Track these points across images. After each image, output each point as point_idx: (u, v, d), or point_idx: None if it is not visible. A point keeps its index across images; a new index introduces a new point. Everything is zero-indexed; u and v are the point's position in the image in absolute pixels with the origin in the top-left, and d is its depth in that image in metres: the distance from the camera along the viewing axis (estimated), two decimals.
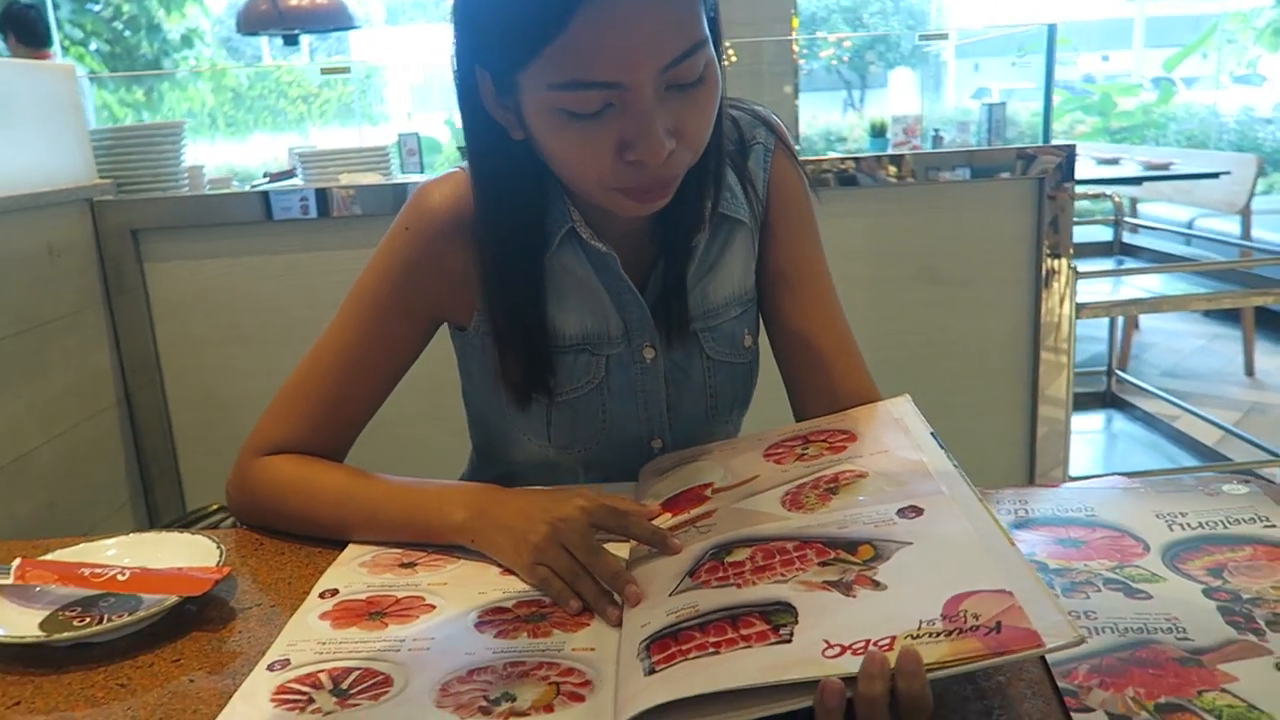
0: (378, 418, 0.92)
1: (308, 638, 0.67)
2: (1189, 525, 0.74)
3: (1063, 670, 0.58)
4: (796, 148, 0.95)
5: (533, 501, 0.76)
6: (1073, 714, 0.54)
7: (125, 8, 8.41)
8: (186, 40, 8.82)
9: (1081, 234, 3.20)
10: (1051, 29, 2.58)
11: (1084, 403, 3.10)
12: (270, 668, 0.63)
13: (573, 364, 0.89)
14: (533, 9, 0.66)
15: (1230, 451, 2.76)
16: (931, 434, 0.76)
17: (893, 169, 1.97)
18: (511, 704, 0.57)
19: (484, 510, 0.77)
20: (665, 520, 0.76)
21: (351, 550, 0.81)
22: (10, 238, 1.70)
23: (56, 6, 7.15)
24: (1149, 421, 2.93)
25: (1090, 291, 2.47)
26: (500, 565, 0.75)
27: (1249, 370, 3.86)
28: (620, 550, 0.74)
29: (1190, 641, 0.59)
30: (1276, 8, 7.81)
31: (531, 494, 0.78)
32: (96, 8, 8.26)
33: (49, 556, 0.77)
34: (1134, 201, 4.48)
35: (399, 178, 2.55)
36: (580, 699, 0.58)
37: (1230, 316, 4.33)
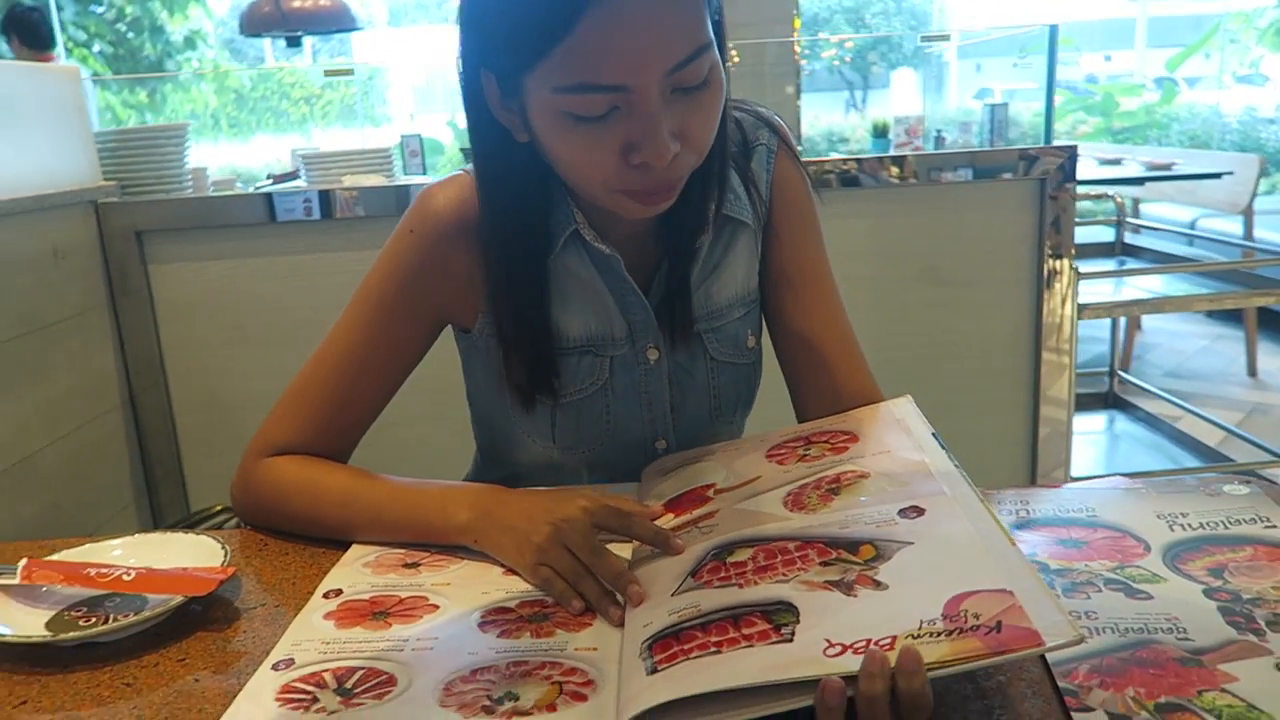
0: (381, 419, 0.92)
1: (312, 637, 0.67)
2: (1190, 526, 0.75)
3: (1063, 670, 0.58)
4: (799, 148, 0.96)
5: (535, 502, 0.76)
6: (1073, 713, 0.54)
7: (128, 10, 8.43)
8: (189, 42, 8.84)
9: (1084, 234, 3.20)
10: (1053, 30, 2.58)
11: (1086, 403, 3.10)
12: (275, 667, 0.64)
13: (577, 365, 0.89)
14: (539, 12, 0.67)
15: (1233, 452, 2.75)
16: (933, 434, 0.76)
17: (895, 170, 1.97)
18: (514, 703, 0.58)
19: (487, 511, 0.78)
20: (668, 520, 0.76)
21: (355, 550, 0.81)
22: (15, 239, 1.71)
23: (60, 8, 7.17)
24: (1151, 422, 2.93)
25: (1092, 292, 2.47)
26: (503, 565, 0.76)
27: (1251, 371, 3.85)
28: (623, 551, 0.74)
29: (1190, 642, 0.60)
30: (1279, 8, 7.80)
31: (534, 495, 0.78)
32: (100, 10, 8.28)
33: (55, 557, 0.78)
34: (1136, 202, 4.48)
35: (402, 179, 2.55)
36: (583, 698, 0.58)
37: (1233, 317, 4.32)
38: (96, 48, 8.22)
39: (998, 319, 2.05)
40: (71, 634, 0.67)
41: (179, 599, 0.70)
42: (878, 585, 0.59)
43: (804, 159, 0.96)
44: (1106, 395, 3.15)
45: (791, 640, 0.55)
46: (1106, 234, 3.09)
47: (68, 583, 0.73)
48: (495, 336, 0.88)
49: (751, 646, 0.56)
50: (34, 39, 4.17)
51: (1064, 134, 7.15)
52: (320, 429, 0.89)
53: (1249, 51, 8.26)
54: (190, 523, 1.21)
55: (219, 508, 1.22)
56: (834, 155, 2.52)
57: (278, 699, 0.60)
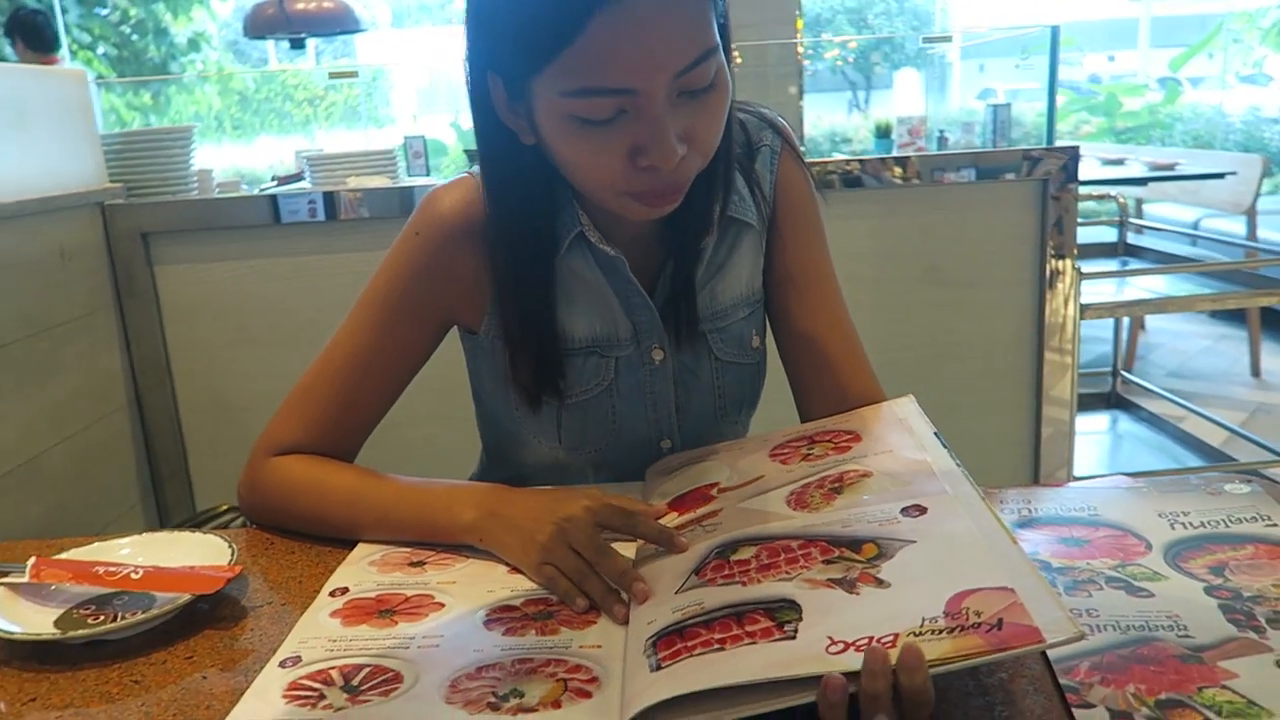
0: (387, 419, 0.93)
1: (318, 635, 0.68)
2: (1191, 524, 0.75)
3: (1064, 667, 0.58)
4: (802, 149, 0.96)
5: (540, 502, 0.76)
6: (1074, 710, 0.55)
7: (132, 12, 8.45)
8: (193, 44, 8.86)
9: (1087, 235, 3.21)
10: (1054, 31, 2.58)
11: (1089, 403, 3.10)
12: (282, 664, 0.64)
13: (582, 366, 0.90)
14: (547, 16, 0.67)
15: (1236, 452, 2.75)
16: (935, 434, 0.77)
17: (898, 170, 1.97)
18: (519, 700, 0.58)
19: (492, 510, 0.78)
20: (672, 519, 0.77)
21: (361, 549, 0.82)
22: (22, 241, 1.71)
23: (65, 11, 7.19)
24: (1154, 422, 2.93)
25: (1095, 292, 2.47)
26: (508, 564, 0.76)
27: (1255, 371, 3.85)
28: (627, 550, 0.74)
29: (1191, 639, 0.60)
30: None
31: (539, 494, 0.79)
32: (104, 12, 8.30)
33: (63, 555, 0.78)
34: (1139, 202, 4.48)
35: (406, 181, 2.56)
36: (587, 695, 0.59)
37: (1236, 317, 4.32)
38: (101, 50, 8.24)
39: (1000, 319, 2.05)
40: (80, 632, 0.68)
41: (186, 597, 0.71)
42: (880, 583, 0.59)
43: (807, 160, 0.96)
44: (1109, 395, 3.15)
45: (794, 638, 0.56)
46: (1109, 234, 3.10)
47: (76, 581, 0.74)
48: (501, 338, 0.89)
49: (755, 644, 0.56)
50: (38, 42, 4.18)
51: (1067, 134, 7.15)
52: (326, 429, 0.89)
53: (1252, 51, 8.25)
54: (197, 522, 1.22)
55: (225, 507, 1.23)
56: (837, 156, 2.53)
57: (285, 696, 0.60)
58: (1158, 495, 0.81)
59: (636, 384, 0.91)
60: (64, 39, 5.61)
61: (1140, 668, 0.58)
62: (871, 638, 0.54)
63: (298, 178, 2.71)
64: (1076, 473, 2.19)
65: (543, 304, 0.87)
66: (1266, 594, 0.65)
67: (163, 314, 2.00)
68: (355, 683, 0.61)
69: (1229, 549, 0.71)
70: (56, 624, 0.70)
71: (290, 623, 0.70)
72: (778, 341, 0.96)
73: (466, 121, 0.81)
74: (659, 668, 0.56)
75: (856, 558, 0.62)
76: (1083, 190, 3.06)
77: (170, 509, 2.07)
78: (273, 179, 2.90)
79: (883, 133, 3.23)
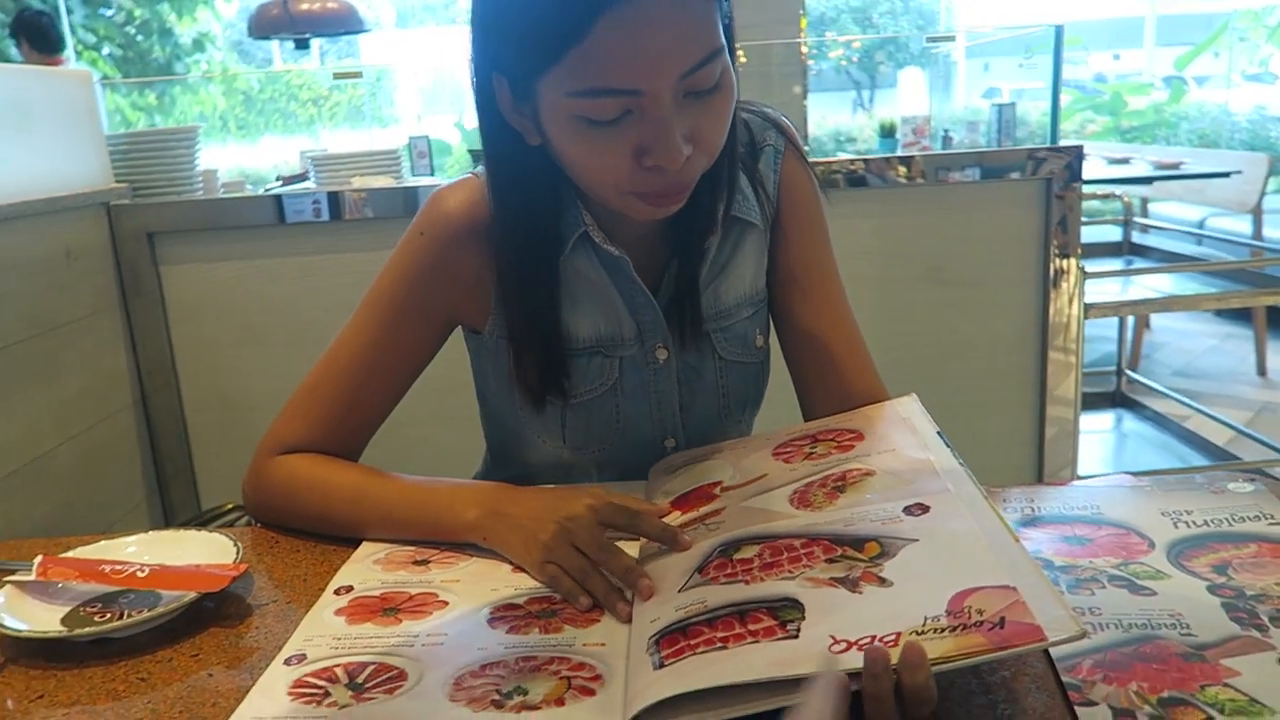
0: (391, 418, 0.93)
1: (323, 633, 0.68)
2: (1194, 523, 0.75)
3: (1067, 665, 0.59)
4: (806, 149, 0.96)
5: (543, 501, 0.77)
6: (1076, 708, 0.55)
7: (137, 12, 8.47)
8: (198, 44, 8.87)
9: (1092, 234, 3.20)
10: (1058, 30, 2.58)
11: (1094, 403, 3.09)
12: (287, 662, 0.64)
13: (586, 366, 0.90)
14: (553, 17, 0.67)
15: (1241, 451, 2.75)
16: (938, 433, 0.77)
17: (902, 170, 1.97)
18: (523, 698, 0.58)
19: (496, 509, 0.78)
20: (675, 518, 0.77)
21: (366, 548, 0.82)
22: (28, 241, 1.72)
23: (70, 12, 7.21)
24: (1159, 421, 2.93)
25: (1100, 291, 2.47)
26: (512, 563, 0.77)
27: (1260, 370, 3.84)
28: (630, 549, 0.74)
29: (1194, 637, 0.60)
30: None
31: (542, 493, 0.79)
32: (109, 13, 8.32)
33: (70, 554, 0.79)
34: (1145, 201, 4.47)
35: (410, 180, 2.57)
36: (591, 693, 0.59)
37: (1241, 316, 4.31)
38: (106, 51, 8.26)
39: (1004, 318, 2.05)
40: (87, 629, 0.68)
41: (192, 595, 0.71)
42: (882, 582, 0.59)
43: (811, 159, 0.96)
44: (1114, 394, 3.14)
45: (797, 636, 0.56)
46: (1115, 233, 3.09)
47: (83, 579, 0.74)
48: (506, 338, 0.89)
49: (757, 642, 0.56)
50: (44, 43, 4.19)
51: (1072, 133, 7.13)
52: (331, 428, 0.90)
53: (1258, 50, 8.22)
54: (202, 520, 1.22)
55: (230, 506, 1.24)
56: (841, 155, 2.53)
57: (290, 693, 0.61)
58: (1161, 494, 0.81)
59: (640, 384, 0.91)
60: (69, 40, 5.64)
61: (1143, 666, 0.58)
62: (874, 636, 0.54)
63: (302, 178, 2.71)
64: (1081, 472, 2.19)
65: (547, 304, 0.87)
66: (1269, 592, 0.65)
67: (168, 314, 2.01)
68: (360, 680, 0.62)
69: (1232, 547, 0.71)
70: (63, 622, 0.70)
71: (295, 621, 0.70)
72: (781, 341, 0.96)
73: (470, 121, 0.81)
74: (662, 666, 0.57)
75: (859, 557, 0.63)
76: (1088, 189, 3.06)
77: (176, 508, 2.08)
78: (277, 179, 2.90)
79: (887, 132, 3.23)
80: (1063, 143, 2.22)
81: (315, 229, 1.98)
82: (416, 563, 0.78)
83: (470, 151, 2.98)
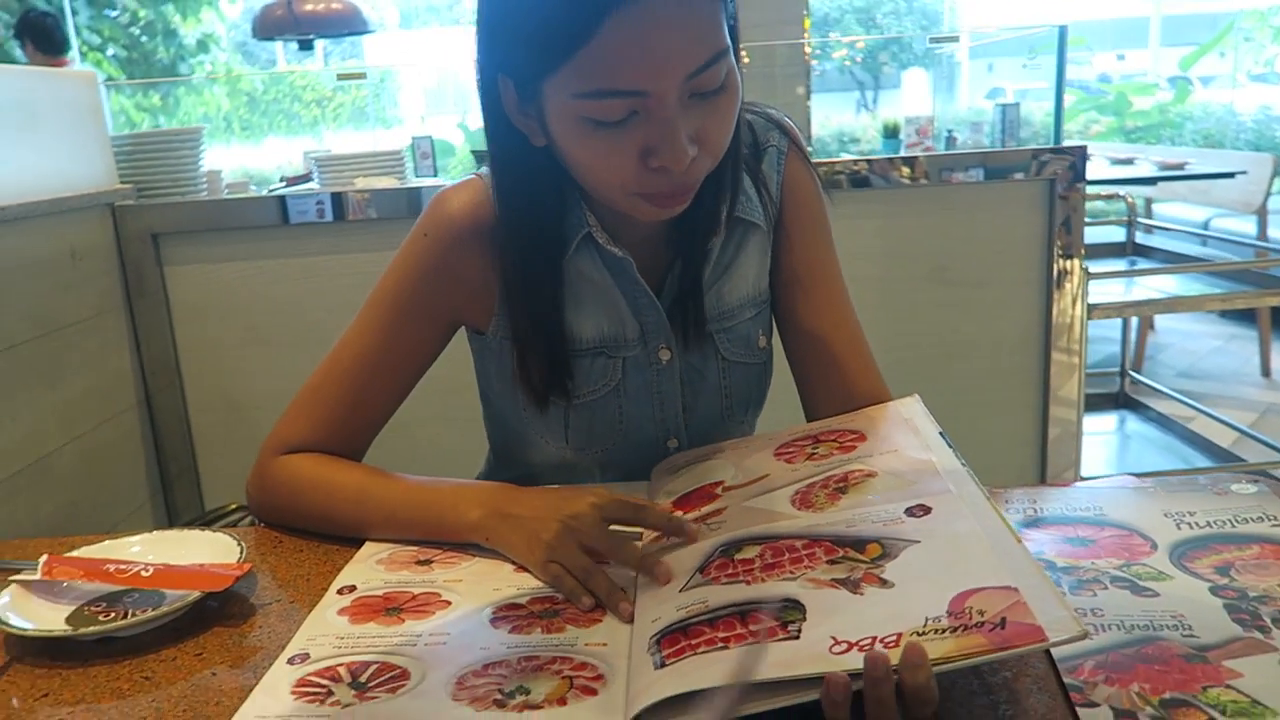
0: (394, 419, 0.93)
1: (326, 632, 0.68)
2: (1197, 524, 0.75)
3: (1068, 666, 0.59)
4: (809, 149, 0.96)
5: (546, 500, 0.77)
6: (1078, 709, 0.55)
7: (142, 14, 8.48)
8: (202, 45, 8.89)
9: (1096, 234, 3.19)
10: (1062, 30, 2.58)
11: (1098, 404, 3.09)
12: (290, 661, 0.65)
13: (590, 367, 0.90)
14: (560, 19, 0.67)
15: (1246, 453, 2.74)
16: (940, 433, 0.77)
17: (905, 170, 1.97)
18: (525, 697, 0.59)
19: (498, 509, 0.79)
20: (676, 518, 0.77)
21: (369, 548, 0.83)
22: (33, 242, 1.73)
23: (74, 13, 7.23)
24: (1163, 423, 2.92)
25: (1103, 292, 2.46)
26: (514, 563, 0.77)
27: (1265, 371, 3.83)
28: None
29: (1196, 638, 0.60)
30: None
31: (545, 493, 0.79)
32: (113, 14, 8.34)
33: (75, 553, 0.79)
34: (1149, 202, 4.46)
35: (413, 181, 2.57)
36: (593, 693, 0.59)
37: (1246, 317, 4.30)
38: (110, 52, 8.28)
39: (1008, 319, 2.05)
40: (91, 628, 0.68)
41: (196, 594, 0.71)
42: (884, 583, 0.59)
43: (814, 160, 0.96)
44: (1118, 395, 3.14)
45: (798, 637, 0.56)
46: (1119, 234, 3.09)
47: (87, 578, 0.75)
48: (509, 339, 0.89)
49: (759, 643, 0.56)
50: (48, 44, 4.21)
51: (1076, 133, 7.12)
52: (334, 429, 0.90)
53: (1264, 50, 8.21)
54: (206, 520, 1.23)
55: (234, 506, 1.24)
56: (845, 156, 2.53)
57: (293, 692, 0.61)
58: (1164, 495, 0.81)
59: (644, 384, 0.92)
60: (74, 41, 5.65)
61: (1145, 667, 0.58)
62: (875, 638, 0.54)
63: (306, 179, 2.71)
64: (1084, 473, 2.18)
65: (551, 305, 0.87)
66: (1272, 594, 0.64)
67: (172, 314, 2.02)
68: (363, 679, 0.62)
69: (1235, 549, 0.71)
70: (68, 621, 0.71)
71: (298, 620, 0.71)
72: (784, 341, 0.96)
73: (474, 122, 0.82)
74: (663, 665, 0.57)
75: (860, 558, 0.63)
76: (1091, 190, 3.05)
77: (179, 508, 2.08)
78: (281, 180, 2.90)
79: (890, 132, 3.23)
80: (1067, 143, 2.22)
81: (319, 230, 1.98)
82: (419, 563, 0.79)
83: (474, 152, 2.98)
